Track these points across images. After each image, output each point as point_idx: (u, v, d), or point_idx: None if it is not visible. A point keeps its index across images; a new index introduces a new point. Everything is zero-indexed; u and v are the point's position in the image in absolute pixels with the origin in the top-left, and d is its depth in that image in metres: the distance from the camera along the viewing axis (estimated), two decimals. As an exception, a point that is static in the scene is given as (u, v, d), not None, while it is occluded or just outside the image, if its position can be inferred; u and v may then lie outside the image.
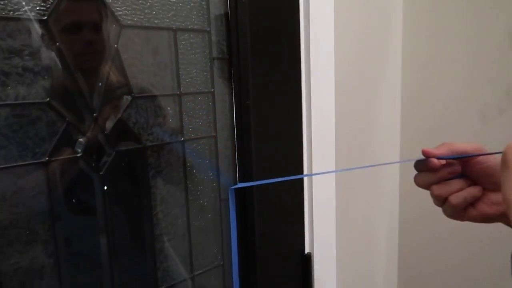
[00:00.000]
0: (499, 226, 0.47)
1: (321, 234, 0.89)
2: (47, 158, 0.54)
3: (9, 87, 0.51)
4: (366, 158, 1.04)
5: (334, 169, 0.88)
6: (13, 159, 0.52)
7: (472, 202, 0.49)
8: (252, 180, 0.74)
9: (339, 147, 0.91)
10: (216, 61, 0.72)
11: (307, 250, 0.89)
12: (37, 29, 0.52)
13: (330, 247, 0.93)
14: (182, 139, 0.69)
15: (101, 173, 0.60)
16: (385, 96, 1.07)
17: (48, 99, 0.54)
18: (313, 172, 0.85)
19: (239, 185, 0.71)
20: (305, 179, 0.84)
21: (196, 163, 0.71)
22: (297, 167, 0.83)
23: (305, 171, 0.83)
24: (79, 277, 0.61)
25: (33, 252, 0.54)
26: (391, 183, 1.14)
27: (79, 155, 0.57)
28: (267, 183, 0.57)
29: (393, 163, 1.13)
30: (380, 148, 1.08)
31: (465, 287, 1.06)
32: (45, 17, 0.52)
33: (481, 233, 1.01)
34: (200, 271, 0.74)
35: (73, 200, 0.58)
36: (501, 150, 0.36)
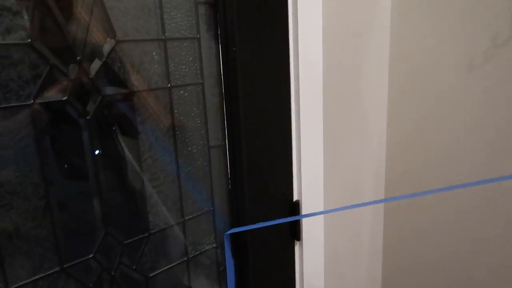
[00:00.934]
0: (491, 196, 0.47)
1: (309, 182, 0.91)
2: (32, 101, 0.54)
3: (-12, 27, 0.50)
4: (354, 105, 1.05)
5: (321, 116, 0.89)
6: (-2, 101, 0.52)
7: None
8: (239, 124, 0.75)
9: (327, 92, 0.91)
10: (201, 6, 0.71)
11: (295, 198, 0.91)
12: (13, -35, 0.50)
13: (318, 194, 0.95)
14: (169, 85, 0.69)
15: (88, 117, 0.60)
16: (373, 45, 1.06)
17: (29, 40, 0.53)
18: (300, 119, 0.86)
19: (234, 230, 0.71)
20: (293, 128, 0.85)
21: (184, 110, 0.72)
22: (285, 114, 0.83)
23: (293, 118, 0.84)
24: (70, 220, 0.62)
25: (24, 194, 0.55)
26: (379, 132, 1.15)
27: (64, 98, 0.57)
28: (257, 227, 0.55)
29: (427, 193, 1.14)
30: (368, 95, 1.09)
31: (450, 244, 1.11)
32: (21, -47, 0.50)
33: (470, 193, 1.04)
34: (191, 216, 0.76)
35: (60, 145, 0.59)
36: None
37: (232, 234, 0.83)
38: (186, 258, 0.77)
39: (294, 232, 0.93)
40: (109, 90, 0.62)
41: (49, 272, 0.59)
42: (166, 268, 0.74)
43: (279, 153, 0.86)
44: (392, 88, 1.12)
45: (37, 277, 0.58)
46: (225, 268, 0.84)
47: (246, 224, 0.82)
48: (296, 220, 0.92)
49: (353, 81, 1.03)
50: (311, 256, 0.96)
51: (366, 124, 1.10)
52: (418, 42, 1.05)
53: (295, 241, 0.94)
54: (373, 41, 1.06)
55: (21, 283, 0.57)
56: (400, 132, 1.14)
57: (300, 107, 0.83)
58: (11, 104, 0.53)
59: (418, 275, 1.20)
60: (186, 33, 0.70)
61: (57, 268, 0.60)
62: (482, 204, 1.02)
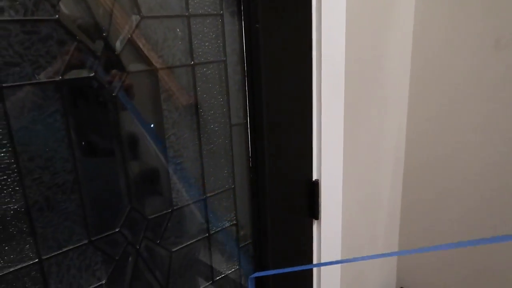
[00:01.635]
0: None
1: (329, 162, 0.91)
2: (60, 77, 0.55)
3: (17, 2, 0.50)
4: (375, 87, 1.03)
5: (343, 95, 0.88)
6: (27, 77, 0.52)
7: None
8: (261, 102, 0.75)
9: (349, 73, 0.90)
10: (225, -18, 0.70)
11: (314, 177, 0.91)
12: None
13: (337, 174, 0.95)
14: (192, 62, 0.69)
15: (113, 94, 0.61)
16: (396, 23, 1.04)
17: (56, 16, 0.53)
18: (322, 98, 0.85)
19: (258, 274, 0.70)
20: (314, 107, 0.85)
21: (206, 87, 0.72)
22: (306, 93, 0.83)
23: (314, 98, 0.83)
24: (97, 195, 0.64)
25: (53, 168, 0.57)
26: (399, 113, 1.14)
27: (91, 75, 0.58)
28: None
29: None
30: (390, 78, 1.07)
31: (466, 206, 1.10)
32: None
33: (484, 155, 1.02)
34: (212, 193, 0.77)
35: (87, 121, 0.60)
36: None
37: (252, 209, 0.84)
38: (207, 234, 0.78)
39: (312, 210, 0.93)
40: (134, 67, 0.62)
41: (78, 245, 0.61)
42: (188, 243, 0.76)
43: (300, 132, 0.85)
44: (414, 72, 1.10)
45: (67, 248, 0.60)
46: (245, 245, 0.86)
47: (265, 202, 0.82)
48: (314, 199, 0.93)
49: (375, 64, 1.01)
50: (329, 234, 0.97)
51: (386, 106, 1.08)
52: (443, 15, 1.02)
53: (313, 220, 0.95)
54: (397, 24, 1.03)
55: (53, 254, 0.59)
56: (420, 116, 1.12)
57: (322, 87, 0.83)
58: (41, 80, 0.53)
59: (435, 255, 1.20)
60: (209, 10, 0.69)
61: (86, 241, 0.62)
62: (501, 161, 1.01)
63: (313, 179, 0.92)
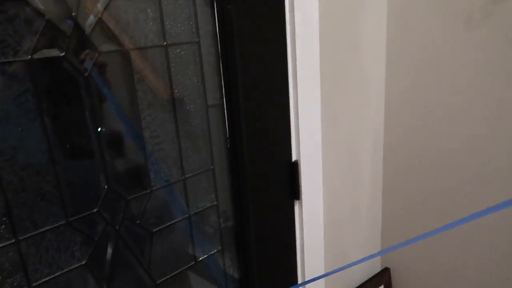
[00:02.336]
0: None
1: (307, 142, 0.93)
2: (29, 57, 0.55)
3: (-18, -19, 0.50)
4: (352, 63, 1.05)
5: (319, 74, 0.89)
6: (-4, 56, 0.52)
7: None
8: (236, 83, 0.76)
9: (324, 50, 0.91)
10: (195, -37, 0.71)
11: (294, 158, 0.93)
12: None
13: (316, 154, 0.97)
14: (165, 43, 0.69)
15: (85, 74, 0.61)
16: (371, 4, 1.05)
17: (23, -5, 0.53)
18: (298, 77, 0.86)
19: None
20: (291, 87, 0.86)
21: (180, 68, 0.72)
22: (282, 72, 0.84)
23: (290, 77, 0.85)
24: (73, 175, 0.64)
25: (26, 148, 0.57)
26: (377, 92, 1.16)
27: (62, 55, 0.58)
28: None
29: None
30: (366, 53, 1.09)
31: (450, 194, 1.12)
32: None
33: (470, 152, 1.05)
34: (191, 174, 0.78)
35: (59, 101, 0.60)
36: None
37: (232, 190, 0.85)
38: (188, 215, 0.79)
39: (293, 191, 0.95)
40: (106, 47, 0.63)
41: (56, 225, 0.62)
42: (168, 224, 0.77)
43: (277, 113, 0.87)
44: (391, 46, 1.12)
45: (44, 229, 0.60)
46: (227, 226, 0.87)
47: (245, 183, 0.83)
48: (295, 180, 0.94)
49: (351, 38, 1.02)
50: (311, 214, 0.98)
51: (364, 82, 1.10)
52: (417, 6, 1.04)
53: (295, 200, 0.96)
54: (371, 4, 1.05)
55: (29, 235, 0.59)
56: (399, 90, 1.14)
57: (297, 65, 0.84)
58: (9, 59, 0.53)
59: (418, 232, 1.22)
60: (180, -9, 0.70)
61: (63, 222, 0.62)
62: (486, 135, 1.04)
63: (293, 160, 0.93)
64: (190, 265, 0.82)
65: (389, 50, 1.12)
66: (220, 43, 0.76)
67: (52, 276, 0.62)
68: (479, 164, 1.03)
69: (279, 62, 0.83)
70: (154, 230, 0.75)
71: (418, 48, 1.07)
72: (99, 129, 0.64)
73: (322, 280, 1.08)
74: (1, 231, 0.56)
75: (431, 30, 1.03)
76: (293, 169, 0.93)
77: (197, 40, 0.74)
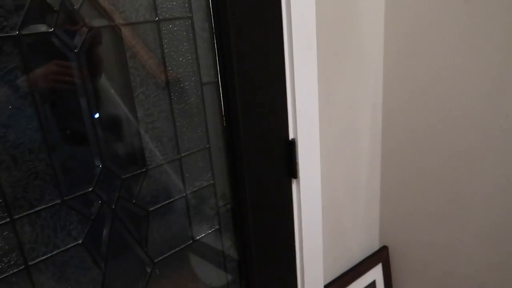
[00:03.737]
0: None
1: (304, 120, 0.92)
2: (17, 32, 0.54)
3: (-36, -48, 0.48)
4: (350, 37, 1.03)
5: (315, 49, 0.88)
6: (-18, 31, 0.51)
7: None
8: (231, 60, 0.74)
9: (320, 23, 0.89)
10: None
11: (291, 136, 0.92)
12: None
13: (314, 132, 0.96)
14: (157, 18, 0.68)
15: (76, 50, 0.60)
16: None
17: (8, -33, 0.51)
18: (294, 53, 0.85)
19: None
20: (287, 63, 0.84)
21: (173, 45, 0.71)
22: (278, 48, 0.82)
23: (286, 53, 0.83)
24: (67, 154, 0.63)
25: (18, 126, 0.56)
26: (375, 67, 1.14)
27: (50, 30, 0.57)
28: None
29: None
30: (364, 25, 1.07)
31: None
32: None
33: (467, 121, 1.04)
34: (187, 153, 0.78)
35: (51, 77, 0.59)
36: None
37: (229, 169, 0.85)
38: (184, 194, 0.79)
39: (291, 170, 0.94)
40: (96, 23, 0.61)
41: (51, 204, 0.61)
42: (165, 203, 0.76)
43: (273, 89, 0.85)
44: (388, 18, 1.10)
45: (39, 208, 0.60)
46: (224, 205, 0.87)
47: (242, 161, 0.83)
48: (292, 158, 0.93)
49: (348, 10, 1.00)
50: (309, 192, 0.98)
51: (362, 57, 1.08)
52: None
53: (292, 179, 0.96)
54: (368, -25, 1.02)
55: (24, 214, 0.59)
56: (397, 59, 1.13)
57: (293, 40, 0.82)
58: (-4, 35, 0.52)
59: (418, 213, 1.23)
60: (171, -36, 0.68)
61: (58, 200, 0.62)
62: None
63: (290, 138, 0.92)
64: (187, 244, 0.82)
65: (387, 18, 1.10)
66: (213, 18, 0.74)
67: (49, 255, 0.62)
68: (480, 133, 1.03)
69: (274, 37, 0.81)
70: (151, 209, 0.74)
71: (417, 14, 1.05)
72: (91, 107, 0.63)
73: (320, 259, 1.08)
74: (-5, 210, 0.56)
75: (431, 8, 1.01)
76: (291, 147, 0.92)
77: (190, 15, 0.72)
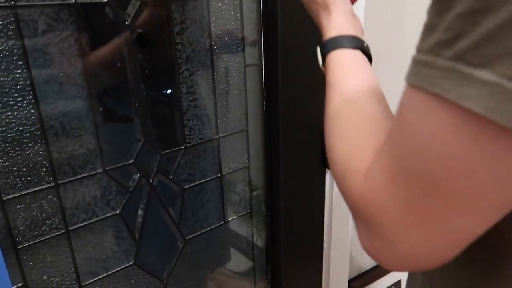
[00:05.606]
0: None
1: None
2: (73, 1, 0.55)
3: None
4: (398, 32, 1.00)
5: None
6: (41, -2, 0.52)
7: None
8: (276, 44, 0.73)
9: (369, 15, 0.87)
10: None
11: (329, 126, 0.90)
12: None
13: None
14: (207, -4, 0.67)
15: (127, 22, 0.60)
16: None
17: None
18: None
19: None
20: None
21: (221, 23, 0.70)
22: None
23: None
24: (111, 125, 0.64)
25: (68, 94, 0.57)
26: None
27: (104, 1, 0.57)
28: None
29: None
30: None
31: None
32: None
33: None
34: (225, 134, 0.77)
35: (102, 47, 0.60)
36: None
37: (265, 153, 0.84)
38: (219, 175, 0.79)
39: (325, 160, 0.93)
40: (148, -4, 0.61)
41: (93, 173, 0.63)
42: (200, 182, 0.77)
43: (316, 78, 0.84)
44: None
45: (81, 176, 0.61)
46: (257, 189, 0.87)
47: (278, 147, 0.82)
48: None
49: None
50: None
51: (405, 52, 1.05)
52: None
53: (326, 169, 0.94)
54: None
55: (68, 180, 0.60)
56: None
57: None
58: (55, 2, 0.53)
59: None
60: None
61: (100, 170, 0.63)
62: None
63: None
64: (218, 225, 0.83)
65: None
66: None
67: (88, 222, 0.64)
68: None
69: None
70: (186, 187, 0.75)
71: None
72: (138, 82, 0.64)
73: (347, 252, 1.07)
74: (42, 174, 0.58)
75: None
76: (327, 137, 0.91)
77: (239, -6, 0.71)
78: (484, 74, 0.20)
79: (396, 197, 0.26)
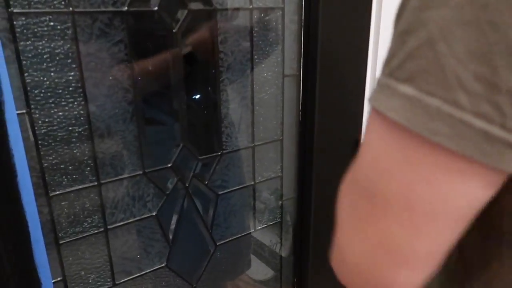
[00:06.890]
0: None
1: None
2: (126, 8, 0.57)
3: None
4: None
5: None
6: (96, 4, 0.54)
7: None
8: (315, 56, 0.74)
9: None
10: None
11: (363, 139, 0.90)
12: None
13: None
14: (251, 6, 0.69)
15: (174, 30, 0.62)
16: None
17: None
18: (378, 59, 0.82)
19: None
20: (369, 67, 0.82)
21: (262, 34, 0.71)
22: (363, 47, 0.80)
23: (370, 51, 0.81)
24: (153, 129, 0.66)
25: (115, 97, 0.59)
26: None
27: (155, 9, 0.59)
28: None
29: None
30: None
31: None
32: None
33: None
34: (261, 143, 0.78)
35: (148, 55, 0.62)
36: None
37: (298, 164, 0.84)
38: (252, 183, 0.80)
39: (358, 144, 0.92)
40: (195, 5, 0.63)
41: (133, 174, 0.64)
42: (233, 189, 0.78)
43: (352, 91, 0.84)
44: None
45: (122, 176, 0.63)
46: (288, 199, 0.87)
47: (311, 158, 0.82)
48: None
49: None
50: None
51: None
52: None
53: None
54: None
55: (110, 180, 0.62)
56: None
57: (379, 44, 0.80)
58: (108, 9, 0.55)
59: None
60: (271, -47, 0.68)
61: (140, 172, 0.65)
62: None
63: (361, 141, 0.90)
64: (249, 232, 0.83)
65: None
66: (304, 11, 0.74)
67: (126, 222, 0.66)
68: None
69: (361, 38, 0.80)
70: (220, 193, 0.76)
71: None
72: (182, 88, 0.65)
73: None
74: (86, 173, 0.60)
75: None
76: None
77: (282, 5, 0.72)
78: (406, 88, 0.22)
79: (346, 204, 0.29)
